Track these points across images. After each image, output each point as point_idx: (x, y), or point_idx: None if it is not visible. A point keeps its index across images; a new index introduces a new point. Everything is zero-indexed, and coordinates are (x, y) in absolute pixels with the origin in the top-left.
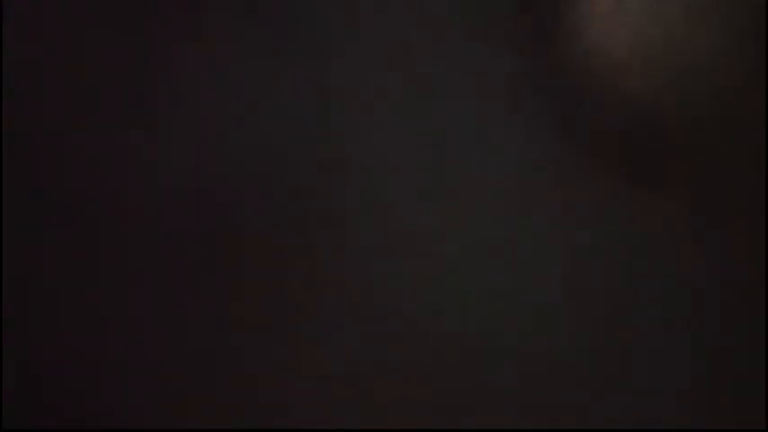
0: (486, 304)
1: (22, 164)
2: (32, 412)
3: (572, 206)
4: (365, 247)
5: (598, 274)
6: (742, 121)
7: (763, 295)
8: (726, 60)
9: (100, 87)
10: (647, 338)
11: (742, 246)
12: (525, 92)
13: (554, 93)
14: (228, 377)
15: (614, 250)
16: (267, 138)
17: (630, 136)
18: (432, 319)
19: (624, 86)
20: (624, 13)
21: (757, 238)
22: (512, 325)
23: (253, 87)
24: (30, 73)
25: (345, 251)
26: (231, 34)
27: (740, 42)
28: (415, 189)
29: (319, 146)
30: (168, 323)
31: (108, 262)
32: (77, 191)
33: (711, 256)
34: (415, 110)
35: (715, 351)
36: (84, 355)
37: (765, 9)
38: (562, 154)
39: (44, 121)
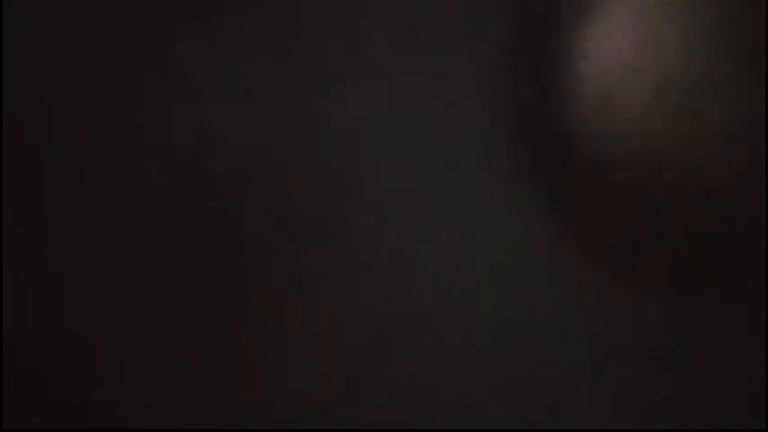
0: (485, 307)
1: (20, 162)
2: (32, 412)
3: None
4: (365, 247)
5: (599, 275)
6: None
7: (764, 297)
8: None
9: (98, 83)
10: (646, 338)
11: (743, 248)
12: (514, 119)
13: (542, 125)
14: (228, 376)
15: (614, 251)
16: (267, 137)
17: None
18: (433, 319)
19: (616, 123)
20: (617, 45)
21: (759, 240)
22: (514, 327)
23: (252, 87)
24: (29, 67)
25: (345, 252)
26: (231, 33)
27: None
28: (416, 190)
29: (320, 146)
30: (168, 322)
31: (107, 261)
32: (75, 190)
33: (713, 258)
34: (417, 111)
35: (715, 351)
36: (84, 355)
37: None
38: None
39: (44, 116)
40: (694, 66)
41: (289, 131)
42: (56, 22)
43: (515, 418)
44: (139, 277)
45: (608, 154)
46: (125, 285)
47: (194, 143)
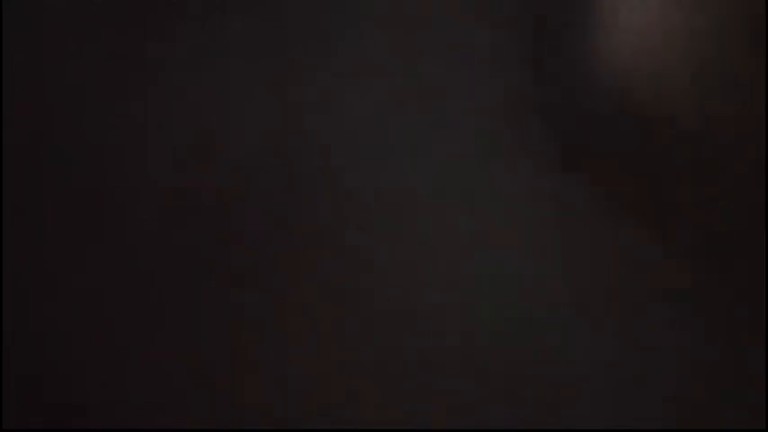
0: (485, 306)
1: (20, 162)
2: (32, 412)
3: (574, 212)
4: (365, 247)
5: (600, 276)
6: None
7: (764, 295)
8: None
9: (98, 83)
10: (647, 338)
11: (744, 248)
12: (529, 99)
13: (558, 101)
14: (228, 376)
15: (615, 252)
16: (267, 137)
17: (632, 152)
18: (433, 319)
19: (629, 100)
20: (631, 26)
21: (759, 240)
22: (510, 328)
23: (252, 87)
24: (29, 67)
25: (345, 252)
26: (231, 33)
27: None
28: (419, 191)
29: (320, 147)
30: (168, 322)
31: (107, 261)
32: (75, 190)
33: (714, 258)
34: (419, 112)
35: (715, 351)
36: (84, 355)
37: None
38: (562, 162)
39: (44, 116)
40: (707, 28)
41: (289, 131)
42: (56, 22)
43: (515, 418)
44: (139, 277)
45: (623, 114)
46: (125, 285)
47: (194, 143)
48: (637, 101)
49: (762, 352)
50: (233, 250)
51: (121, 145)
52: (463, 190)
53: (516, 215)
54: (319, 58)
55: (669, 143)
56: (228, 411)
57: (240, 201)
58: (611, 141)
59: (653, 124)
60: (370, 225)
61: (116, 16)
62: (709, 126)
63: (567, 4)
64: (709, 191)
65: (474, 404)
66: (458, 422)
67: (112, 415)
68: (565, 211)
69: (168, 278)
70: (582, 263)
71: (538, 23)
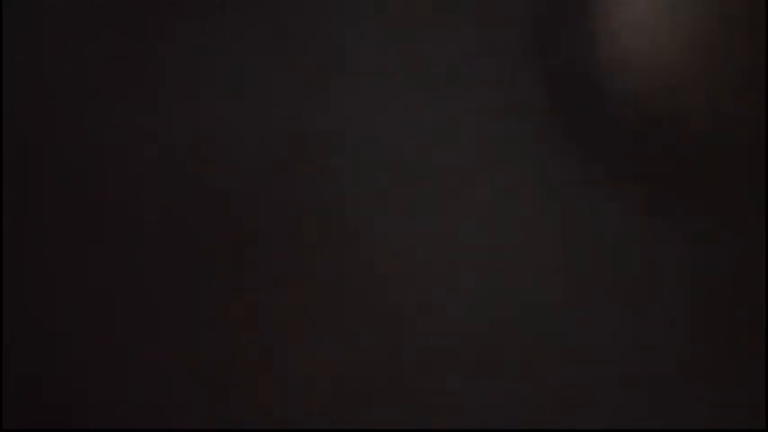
0: (485, 307)
1: (20, 162)
2: (32, 412)
3: (575, 212)
4: (365, 247)
5: (600, 276)
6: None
7: (764, 295)
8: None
9: (98, 83)
10: (647, 338)
11: (744, 249)
12: (533, 96)
13: (561, 95)
14: (228, 376)
15: (616, 253)
16: (267, 137)
17: (638, 140)
18: (433, 319)
19: (633, 87)
20: (637, 18)
21: (759, 240)
22: (511, 327)
23: (256, 85)
24: (29, 67)
25: (345, 251)
26: (231, 33)
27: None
28: (419, 190)
29: (322, 146)
30: (168, 322)
31: (107, 261)
32: (75, 190)
33: (714, 259)
34: (420, 109)
35: (715, 351)
36: (84, 355)
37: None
38: (567, 157)
39: (44, 116)
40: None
41: (289, 131)
42: (56, 22)
43: (515, 419)
44: (139, 277)
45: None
46: (125, 285)
47: (194, 143)
48: (645, 100)
49: (762, 352)
50: (233, 250)
51: (121, 145)
52: (464, 189)
53: (515, 215)
54: (319, 58)
55: (677, 142)
56: (228, 411)
57: (240, 200)
58: (617, 141)
59: (661, 123)
60: (370, 225)
61: (116, 16)
62: (720, 124)
63: (570, 2)
64: (715, 190)
65: (474, 404)
66: (458, 422)
67: (112, 415)
68: (565, 211)
69: (168, 278)
70: (583, 262)
71: (540, 21)
